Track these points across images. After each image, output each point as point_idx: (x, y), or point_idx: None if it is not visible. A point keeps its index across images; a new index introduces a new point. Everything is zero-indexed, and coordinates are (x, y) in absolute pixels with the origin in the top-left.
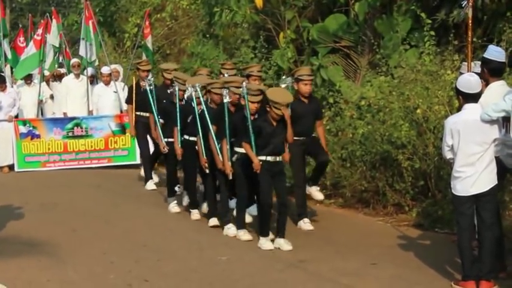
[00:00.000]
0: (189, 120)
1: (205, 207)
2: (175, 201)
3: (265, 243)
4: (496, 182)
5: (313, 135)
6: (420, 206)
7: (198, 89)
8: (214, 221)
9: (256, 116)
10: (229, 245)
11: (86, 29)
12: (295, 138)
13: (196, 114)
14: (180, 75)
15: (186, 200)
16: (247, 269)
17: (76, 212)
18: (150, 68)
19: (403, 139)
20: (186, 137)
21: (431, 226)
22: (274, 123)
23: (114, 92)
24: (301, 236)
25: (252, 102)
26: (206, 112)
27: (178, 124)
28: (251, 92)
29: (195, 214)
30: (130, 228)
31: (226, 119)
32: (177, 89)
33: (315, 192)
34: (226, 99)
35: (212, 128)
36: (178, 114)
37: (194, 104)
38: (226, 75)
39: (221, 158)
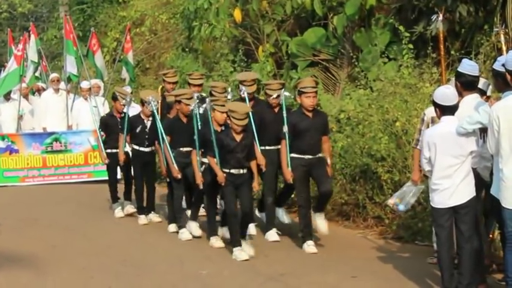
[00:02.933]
0: (138, 131)
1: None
2: (120, 207)
3: (239, 253)
4: (474, 194)
5: (320, 155)
6: (400, 218)
7: (153, 103)
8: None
9: (223, 128)
10: (210, 258)
11: (67, 44)
12: (298, 156)
13: (147, 126)
14: (121, 90)
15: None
16: (228, 283)
17: (56, 228)
18: (177, 80)
19: (382, 152)
20: (136, 147)
21: (411, 238)
22: (238, 138)
23: (94, 106)
24: (281, 250)
25: (222, 112)
26: (159, 123)
27: (125, 134)
28: (218, 103)
29: (142, 219)
30: (110, 243)
31: (196, 131)
32: (124, 102)
33: (319, 220)
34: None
35: (166, 139)
36: (126, 124)
37: (156, 116)
38: (243, 89)
39: (176, 167)
